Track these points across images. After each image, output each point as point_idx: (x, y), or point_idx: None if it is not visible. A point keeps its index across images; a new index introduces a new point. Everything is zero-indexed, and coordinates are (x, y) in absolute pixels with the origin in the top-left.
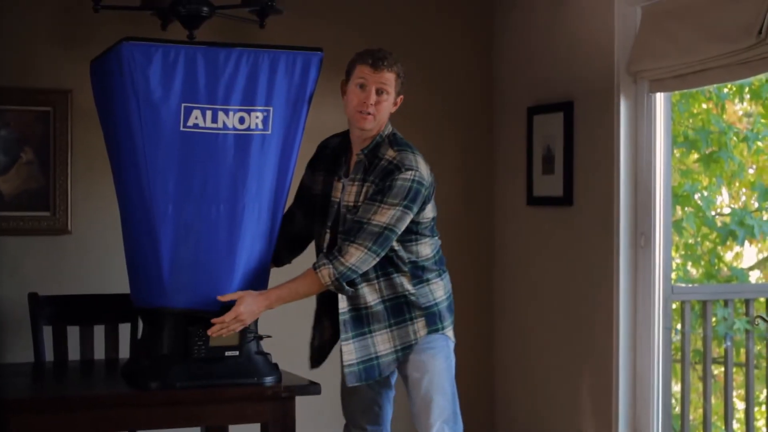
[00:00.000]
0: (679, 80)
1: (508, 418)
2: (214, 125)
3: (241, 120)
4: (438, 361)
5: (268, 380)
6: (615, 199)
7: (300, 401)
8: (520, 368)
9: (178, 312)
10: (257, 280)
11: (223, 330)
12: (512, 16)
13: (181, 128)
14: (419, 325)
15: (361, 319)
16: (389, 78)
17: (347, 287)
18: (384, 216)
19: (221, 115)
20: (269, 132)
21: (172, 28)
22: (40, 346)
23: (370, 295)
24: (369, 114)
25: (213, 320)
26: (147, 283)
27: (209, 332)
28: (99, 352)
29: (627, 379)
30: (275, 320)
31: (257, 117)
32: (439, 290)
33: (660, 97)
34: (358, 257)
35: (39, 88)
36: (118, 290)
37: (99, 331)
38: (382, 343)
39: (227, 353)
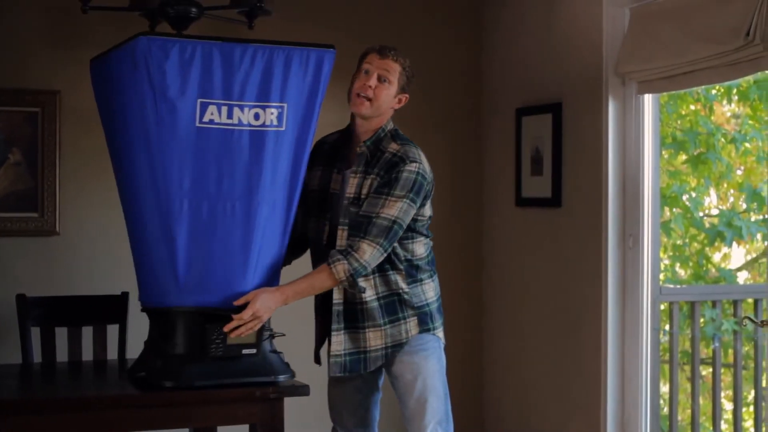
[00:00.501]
0: (667, 81)
1: (497, 418)
2: (230, 121)
3: (256, 116)
4: (431, 363)
5: (282, 378)
6: (603, 200)
7: (289, 402)
8: (509, 369)
9: (192, 310)
10: (271, 277)
11: (241, 329)
12: (501, 18)
13: (197, 124)
14: (411, 324)
15: (356, 314)
16: (394, 67)
17: (361, 284)
18: (392, 209)
19: (237, 111)
20: (283, 128)
21: (160, 29)
22: (28, 348)
23: (366, 291)
24: (367, 99)
25: (233, 316)
26: (160, 282)
27: (226, 329)
28: (87, 354)
29: (615, 380)
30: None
31: (272, 113)
32: (430, 291)
33: (648, 99)
34: (371, 253)
35: (27, 89)
36: (107, 291)
37: (87, 333)
38: (374, 339)
39: (244, 351)
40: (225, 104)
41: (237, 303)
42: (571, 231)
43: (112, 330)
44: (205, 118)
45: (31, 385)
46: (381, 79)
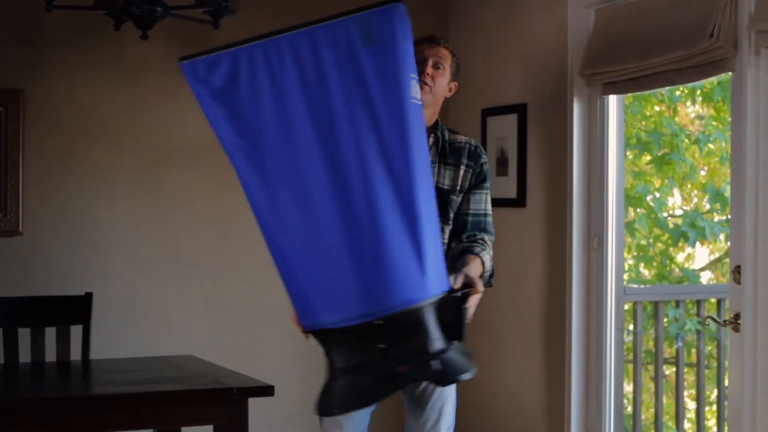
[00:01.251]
0: (631, 83)
1: (460, 418)
2: (417, 96)
3: (416, 90)
4: None
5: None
6: (568, 201)
7: (255, 404)
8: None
9: (438, 299)
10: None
11: (473, 306)
12: (466, 18)
13: (411, 100)
14: None
15: None
16: (445, 54)
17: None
18: (490, 204)
19: (414, 84)
20: (419, 101)
21: (125, 28)
22: None
23: None
24: (426, 84)
25: (472, 290)
26: (397, 281)
27: (468, 305)
28: (50, 354)
29: (579, 379)
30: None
31: (416, 85)
32: None
33: (613, 100)
34: (492, 249)
35: None
36: (70, 292)
37: (50, 333)
38: None
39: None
40: (414, 78)
41: (456, 286)
42: (536, 231)
43: (76, 330)
44: (413, 93)
45: None
46: (436, 66)
